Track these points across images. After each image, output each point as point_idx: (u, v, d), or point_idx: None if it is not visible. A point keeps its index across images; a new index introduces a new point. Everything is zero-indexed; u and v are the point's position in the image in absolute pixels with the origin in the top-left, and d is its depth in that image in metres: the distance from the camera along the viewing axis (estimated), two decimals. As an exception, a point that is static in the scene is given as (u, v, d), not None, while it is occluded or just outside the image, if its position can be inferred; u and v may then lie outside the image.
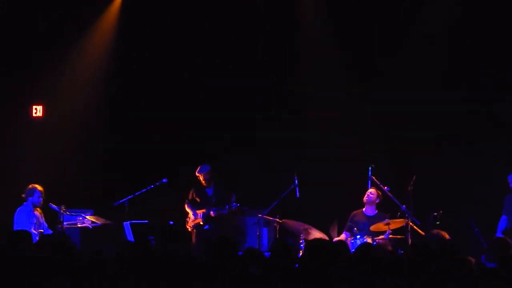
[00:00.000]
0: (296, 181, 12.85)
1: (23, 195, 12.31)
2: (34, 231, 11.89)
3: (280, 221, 12.74)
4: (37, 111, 14.71)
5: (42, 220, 12.41)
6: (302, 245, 12.21)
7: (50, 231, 12.28)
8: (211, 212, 13.17)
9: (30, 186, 12.38)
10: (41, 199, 12.32)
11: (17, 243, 7.60)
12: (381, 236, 12.15)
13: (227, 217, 13.16)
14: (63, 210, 12.22)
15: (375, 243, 11.98)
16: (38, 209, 12.39)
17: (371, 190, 12.76)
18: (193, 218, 13.37)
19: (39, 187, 12.37)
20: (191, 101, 14.93)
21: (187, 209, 13.52)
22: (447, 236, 9.61)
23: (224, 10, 14.56)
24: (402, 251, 11.56)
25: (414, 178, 12.41)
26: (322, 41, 14.52)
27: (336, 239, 12.44)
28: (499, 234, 11.98)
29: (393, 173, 13.01)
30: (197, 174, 13.49)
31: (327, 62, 14.40)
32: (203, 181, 13.47)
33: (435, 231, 9.94)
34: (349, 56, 14.26)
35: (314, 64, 14.52)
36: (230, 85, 14.76)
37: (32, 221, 12.22)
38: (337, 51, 14.32)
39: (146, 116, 14.78)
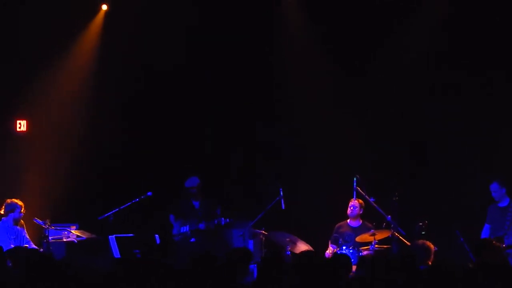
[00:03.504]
0: (282, 193, 12.86)
1: (1, 211, 12.24)
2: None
3: (266, 233, 12.73)
4: (21, 125, 14.65)
5: (25, 234, 12.32)
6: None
7: (34, 246, 12.16)
8: (200, 226, 13.05)
9: (9, 201, 12.29)
10: (22, 214, 12.28)
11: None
12: (367, 247, 12.15)
13: (214, 231, 13.08)
14: (48, 225, 12.14)
15: (361, 254, 11.98)
16: (21, 221, 12.32)
17: (354, 203, 12.73)
18: (178, 231, 13.29)
19: (19, 202, 12.30)
20: (176, 114, 14.91)
21: (172, 222, 13.43)
22: (432, 246, 9.64)
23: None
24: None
25: (399, 188, 12.43)
26: (304, 47, 14.55)
27: (327, 252, 12.42)
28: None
29: (378, 183, 13.02)
30: (186, 186, 13.41)
31: (312, 70, 14.40)
32: (192, 194, 13.36)
33: (421, 241, 9.96)
34: (336, 63, 14.27)
35: (298, 72, 14.52)
36: (214, 97, 14.80)
37: (11, 236, 12.14)
38: (324, 58, 14.32)
39: (130, 130, 14.73)
